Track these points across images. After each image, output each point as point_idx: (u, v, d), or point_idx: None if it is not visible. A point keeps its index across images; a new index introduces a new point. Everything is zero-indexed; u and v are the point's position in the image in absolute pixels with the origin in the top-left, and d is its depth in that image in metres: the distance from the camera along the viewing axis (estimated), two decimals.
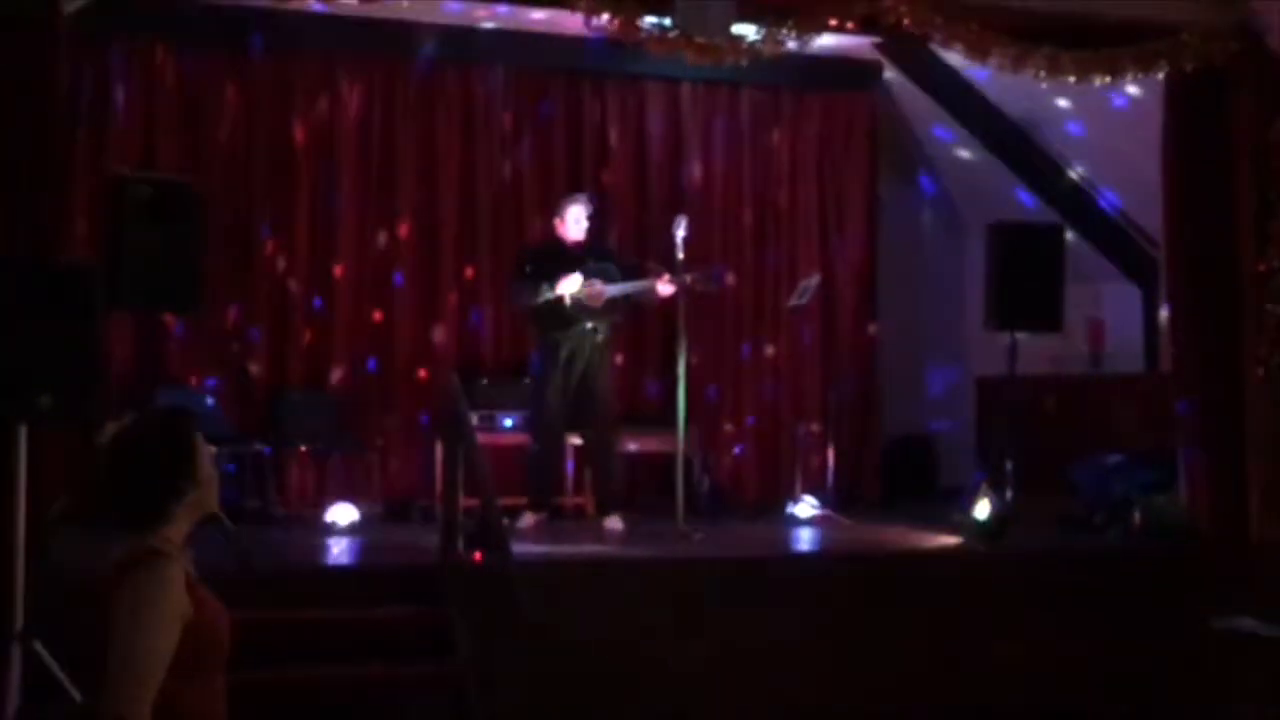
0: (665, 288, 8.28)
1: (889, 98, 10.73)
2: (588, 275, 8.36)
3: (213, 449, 3.21)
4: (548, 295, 8.31)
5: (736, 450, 10.10)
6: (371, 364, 9.50)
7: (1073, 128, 9.78)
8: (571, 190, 9.28)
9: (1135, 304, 10.20)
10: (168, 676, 2.91)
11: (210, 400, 8.69)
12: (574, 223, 8.51)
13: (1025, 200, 10.39)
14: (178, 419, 3.21)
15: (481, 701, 5.86)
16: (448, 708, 6.04)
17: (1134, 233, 10.09)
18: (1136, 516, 8.29)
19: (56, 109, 6.59)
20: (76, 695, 4.98)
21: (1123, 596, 7.48)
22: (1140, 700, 7.27)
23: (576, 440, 8.95)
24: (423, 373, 9.54)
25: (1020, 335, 8.46)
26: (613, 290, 8.41)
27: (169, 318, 8.78)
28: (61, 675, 5.13)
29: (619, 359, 9.67)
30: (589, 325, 8.39)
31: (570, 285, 8.30)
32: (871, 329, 10.62)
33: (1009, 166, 10.38)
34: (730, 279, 10.09)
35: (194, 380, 8.97)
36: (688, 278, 8.19)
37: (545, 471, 8.63)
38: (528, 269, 8.52)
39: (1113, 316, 10.37)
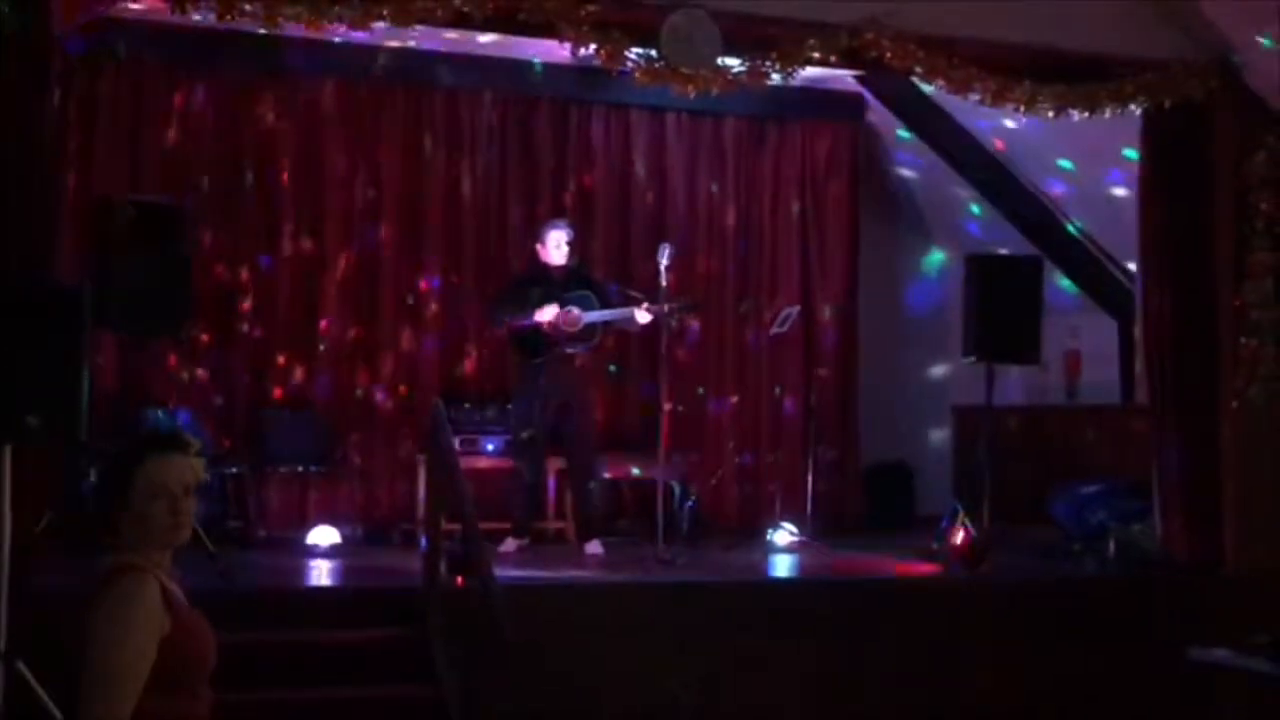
0: (644, 316, 8.34)
1: (871, 129, 10.82)
2: (566, 302, 8.43)
3: (188, 482, 3.14)
4: (525, 321, 8.36)
5: (715, 478, 10.12)
6: (354, 386, 9.52)
7: (1054, 161, 9.87)
8: (556, 216, 9.35)
9: (1111, 336, 10.28)
10: (147, 692, 2.94)
11: (186, 420, 8.68)
12: (555, 248, 8.58)
13: (1004, 231, 10.47)
14: (124, 448, 3.20)
15: None
16: None
17: (1111, 265, 10.18)
18: (1112, 546, 8.36)
19: (44, 131, 6.61)
20: (59, 715, 5.00)
21: (1098, 625, 7.54)
22: None
23: (558, 464, 8.99)
24: (405, 395, 9.57)
25: (998, 366, 8.53)
26: (590, 317, 8.46)
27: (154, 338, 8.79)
28: (44, 695, 5.14)
29: (600, 385, 9.73)
30: (567, 350, 8.45)
31: (546, 315, 8.36)
32: (851, 357, 10.68)
33: (988, 198, 10.47)
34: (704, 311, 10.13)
35: (176, 401, 8.97)
36: (665, 306, 8.26)
37: (527, 495, 8.67)
38: (509, 294, 8.59)
39: (1089, 348, 10.45)
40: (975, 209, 10.63)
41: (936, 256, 11.37)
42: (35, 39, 6.29)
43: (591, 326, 8.50)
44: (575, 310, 8.43)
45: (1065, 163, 9.72)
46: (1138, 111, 8.17)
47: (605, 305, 8.56)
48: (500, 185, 9.97)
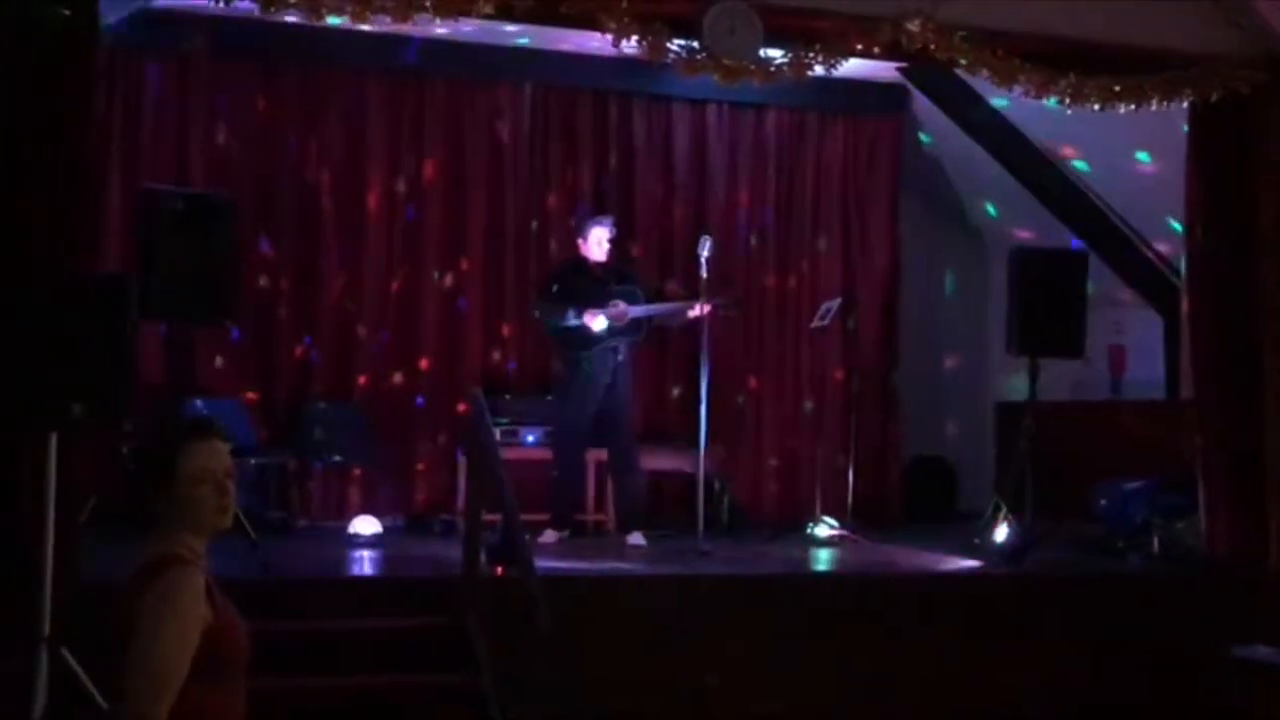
0: (694, 311, 8.35)
1: (914, 121, 10.76)
2: (611, 296, 8.44)
3: (228, 465, 3.17)
4: (573, 323, 8.38)
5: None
6: (396, 378, 9.57)
7: (1098, 153, 9.80)
8: (596, 210, 9.37)
9: (1157, 331, 10.20)
10: (188, 682, 2.96)
11: (236, 411, 8.74)
12: (596, 244, 8.59)
13: (1049, 226, 10.40)
14: (162, 434, 3.23)
15: (502, 713, 5.90)
16: (468, 719, 6.07)
17: (1156, 259, 10.10)
18: (1156, 542, 8.30)
19: (91, 121, 6.66)
20: (102, 701, 5.04)
21: (1141, 622, 7.48)
22: None
23: (599, 456, 9.01)
24: (445, 386, 9.60)
25: (1041, 360, 8.48)
26: (636, 311, 8.49)
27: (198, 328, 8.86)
28: (87, 681, 5.19)
29: (643, 377, 9.74)
30: (611, 344, 8.47)
31: (597, 323, 8.37)
32: (892, 351, 10.65)
33: (1032, 192, 10.40)
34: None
35: (222, 390, 9.03)
36: (713, 304, 8.27)
37: (567, 488, 8.69)
38: (554, 288, 8.60)
39: (1134, 343, 10.37)
40: (1022, 202, 10.54)
41: (979, 249, 11.30)
42: (81, 31, 6.34)
43: (637, 321, 8.52)
44: (622, 304, 8.45)
45: (1141, 155, 9.65)
46: (1184, 104, 8.10)
47: (648, 301, 8.58)
48: (541, 178, 9.98)
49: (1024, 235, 10.62)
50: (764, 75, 7.52)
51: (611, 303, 8.44)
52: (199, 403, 8.53)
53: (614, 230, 8.71)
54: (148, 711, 2.91)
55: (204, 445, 3.14)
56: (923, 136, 10.89)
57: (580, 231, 8.75)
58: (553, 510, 8.59)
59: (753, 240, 10.43)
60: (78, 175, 6.38)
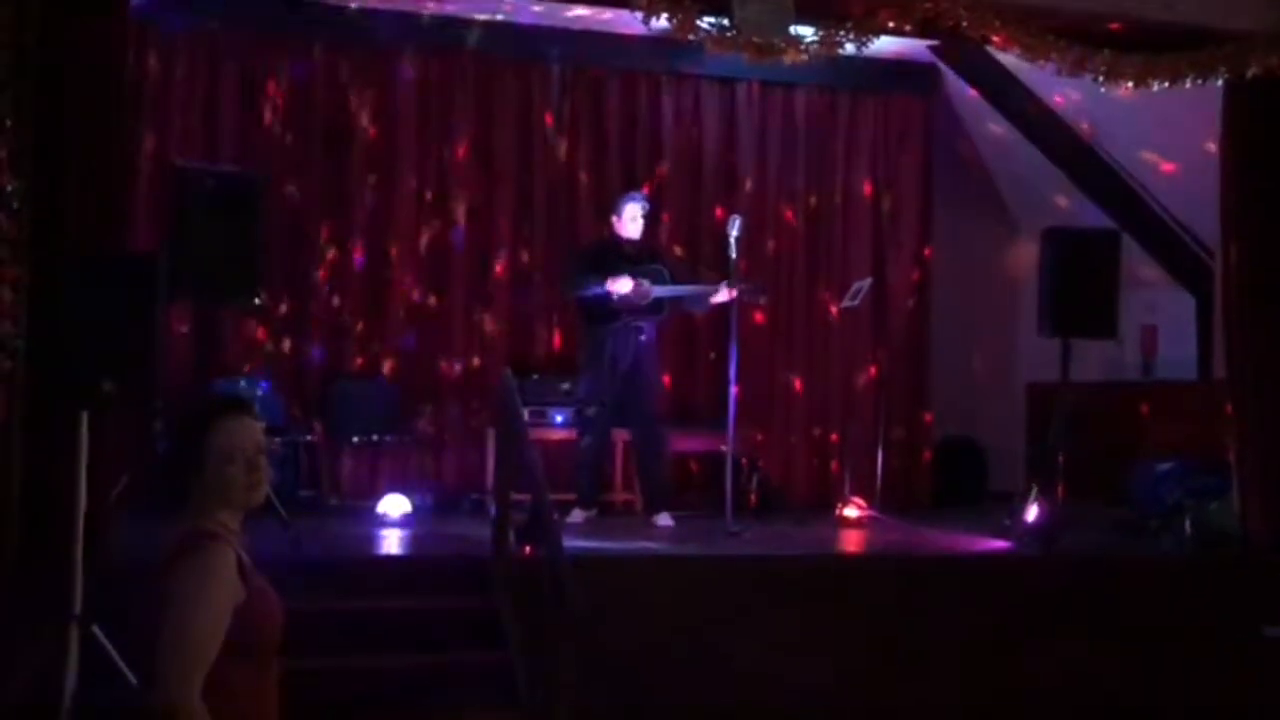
0: (720, 295, 8.33)
1: (945, 100, 10.70)
2: (639, 275, 8.43)
3: (259, 442, 3.17)
4: (597, 290, 8.37)
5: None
6: (425, 357, 9.57)
7: (1131, 133, 9.72)
8: (626, 188, 9.34)
9: (1189, 310, 10.13)
10: (220, 659, 2.95)
11: (265, 389, 8.77)
12: (631, 220, 8.58)
13: (1081, 206, 10.33)
14: (191, 411, 3.23)
15: (531, 693, 5.90)
16: (497, 698, 6.08)
17: (1189, 239, 10.02)
18: (1189, 524, 8.24)
19: (121, 99, 6.66)
20: (133, 679, 5.05)
21: (1174, 604, 7.44)
22: (1190, 707, 7.23)
23: (625, 437, 9.00)
24: (476, 367, 9.60)
25: (1073, 341, 8.42)
26: (660, 291, 8.46)
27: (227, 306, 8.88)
28: (119, 659, 5.20)
29: (672, 356, 9.72)
30: (634, 323, 8.44)
31: (622, 285, 8.36)
32: (924, 332, 10.60)
33: (1065, 171, 10.32)
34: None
35: (250, 369, 9.05)
36: (737, 290, 8.26)
37: (591, 468, 8.69)
38: (583, 264, 8.59)
39: (1166, 323, 10.30)
40: (1054, 182, 10.47)
41: (1011, 230, 11.23)
42: (109, 7, 6.34)
43: (659, 301, 8.50)
44: (646, 283, 8.43)
45: (1142, 136, 9.57)
46: (1219, 82, 8.02)
47: (676, 281, 8.57)
48: (570, 157, 9.95)
49: (1056, 215, 10.54)
50: (794, 53, 7.47)
51: (637, 281, 8.42)
52: (229, 381, 8.56)
53: (648, 206, 8.70)
54: (180, 689, 2.91)
55: (234, 422, 3.14)
56: (955, 116, 10.81)
57: (614, 208, 8.73)
58: (578, 490, 8.59)
59: (783, 219, 10.37)
60: (107, 153, 6.38)
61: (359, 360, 9.43)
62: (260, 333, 9.22)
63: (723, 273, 8.46)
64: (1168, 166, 9.77)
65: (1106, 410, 10.10)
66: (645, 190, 9.41)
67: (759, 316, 10.01)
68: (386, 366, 9.48)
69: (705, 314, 9.04)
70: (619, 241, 8.62)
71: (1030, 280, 8.88)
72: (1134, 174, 9.99)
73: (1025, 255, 10.40)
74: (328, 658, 5.87)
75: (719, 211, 9.83)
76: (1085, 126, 9.94)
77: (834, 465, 10.17)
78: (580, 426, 8.71)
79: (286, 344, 9.33)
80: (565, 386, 9.13)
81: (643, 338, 8.52)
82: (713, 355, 9.84)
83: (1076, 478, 8.30)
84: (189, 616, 2.95)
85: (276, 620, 3.16)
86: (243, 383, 8.63)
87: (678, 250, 9.85)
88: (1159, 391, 10.17)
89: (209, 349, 8.93)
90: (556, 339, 9.84)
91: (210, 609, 2.97)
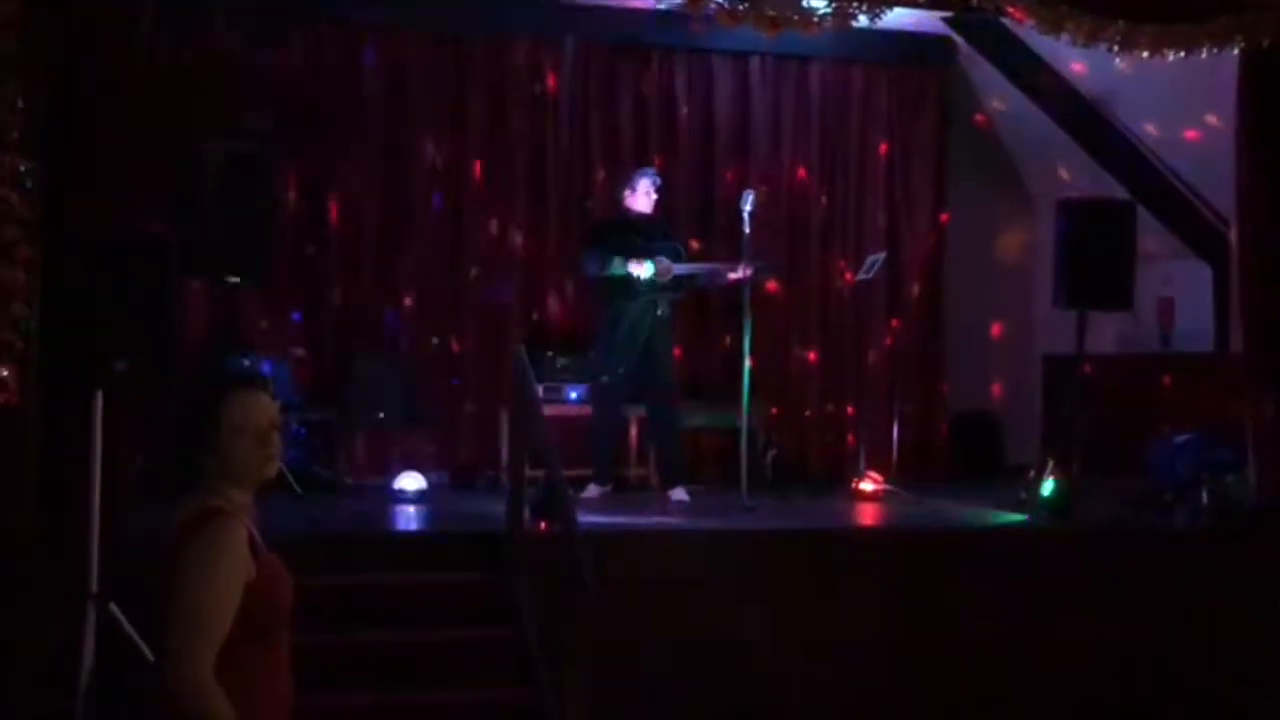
0: (734, 274, 8.32)
1: (959, 73, 10.64)
2: (656, 252, 8.43)
3: (273, 417, 3.18)
4: (620, 271, 8.36)
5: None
6: (439, 334, 9.57)
7: (1145, 104, 9.66)
8: (639, 163, 9.31)
9: (1206, 283, 10.08)
10: (231, 635, 2.97)
11: (280, 368, 8.78)
12: (644, 195, 8.57)
13: (1097, 177, 10.27)
14: (202, 388, 3.24)
15: (545, 667, 5.92)
16: (511, 673, 6.10)
17: (1205, 210, 9.97)
18: (1205, 496, 8.22)
19: (131, 79, 6.65)
20: (150, 656, 5.08)
21: (1190, 576, 7.42)
22: (1205, 680, 7.23)
23: (640, 412, 9.00)
24: (491, 344, 9.59)
25: (1089, 313, 8.39)
26: (680, 269, 8.46)
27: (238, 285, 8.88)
28: (136, 636, 5.23)
29: (687, 331, 9.71)
30: (652, 299, 8.44)
31: (645, 269, 8.35)
32: (938, 305, 10.57)
33: (1079, 142, 10.27)
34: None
35: (267, 348, 9.06)
36: (752, 268, 8.25)
37: (605, 442, 8.69)
38: (602, 243, 8.57)
39: (1182, 295, 10.26)
40: (1069, 153, 10.41)
41: (1025, 201, 11.19)
42: None
43: (678, 279, 8.50)
44: (667, 261, 8.43)
45: (1156, 107, 9.52)
46: (1235, 52, 7.96)
47: (686, 260, 8.57)
48: (583, 132, 9.92)
49: (1071, 187, 10.49)
50: (807, 26, 7.43)
51: (657, 259, 8.42)
52: (245, 359, 8.57)
53: (659, 181, 8.68)
54: (192, 663, 2.92)
55: (245, 397, 3.15)
56: (969, 88, 10.76)
57: (628, 183, 8.71)
58: (593, 465, 8.60)
59: (796, 193, 10.34)
60: (119, 131, 6.38)
61: (372, 338, 9.43)
62: (275, 310, 9.22)
63: (736, 248, 8.43)
64: (1184, 135, 9.70)
65: (1123, 383, 10.07)
66: (658, 164, 9.38)
67: (772, 288, 9.98)
68: (401, 344, 9.48)
69: (720, 290, 9.02)
70: (632, 219, 8.60)
71: (1046, 252, 8.84)
72: (1148, 144, 9.94)
73: (1041, 227, 10.34)
74: (343, 633, 5.90)
75: (732, 185, 9.79)
76: (1098, 96, 9.87)
77: (849, 439, 10.15)
78: (592, 401, 8.72)
79: (300, 323, 9.33)
80: (579, 363, 9.13)
81: (659, 312, 8.51)
82: (728, 339, 9.82)
83: (1092, 450, 8.28)
84: (200, 591, 2.96)
85: (287, 596, 3.17)
86: (258, 360, 8.64)
87: (681, 216, 9.81)
88: (1176, 364, 10.13)
89: (224, 328, 8.93)
90: (570, 316, 9.81)
91: (221, 583, 2.98)
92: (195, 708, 2.91)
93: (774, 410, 9.98)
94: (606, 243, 8.53)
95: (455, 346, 9.59)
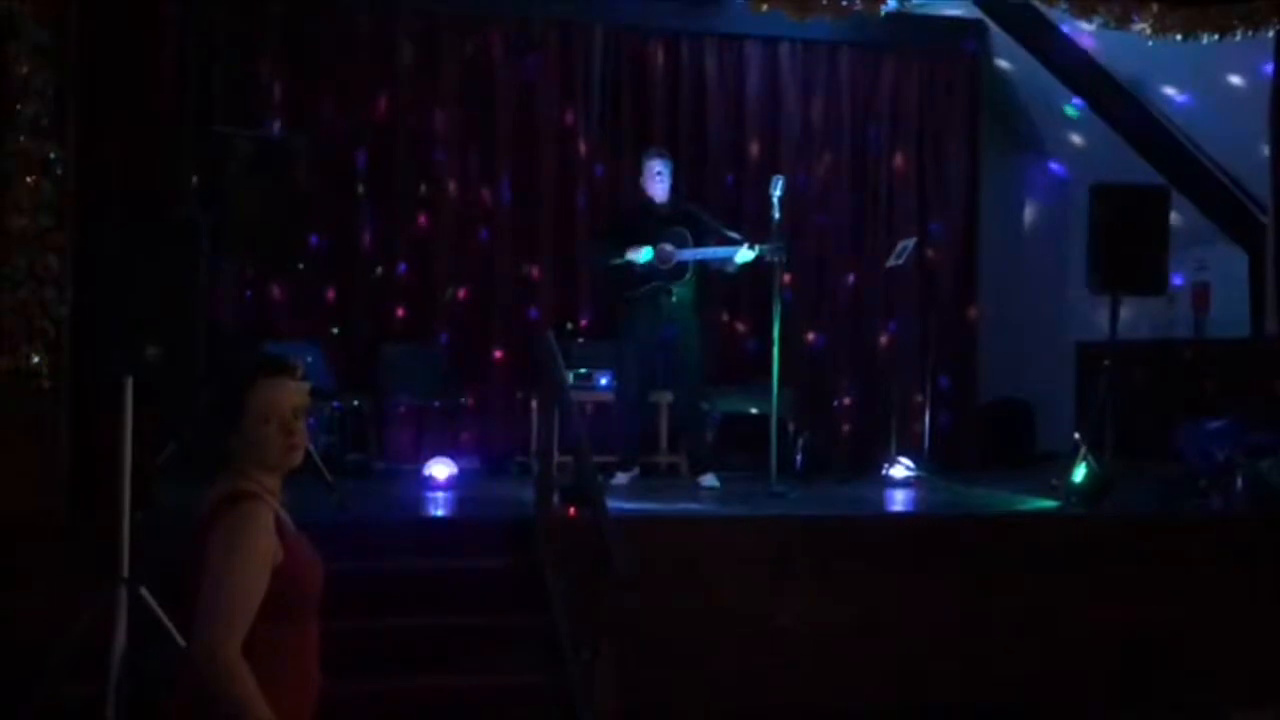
0: (744, 256, 8.24)
1: (991, 58, 10.57)
2: (661, 238, 8.35)
3: (298, 404, 3.16)
4: (618, 260, 8.33)
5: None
6: (471, 321, 9.58)
7: (1180, 88, 9.58)
8: (669, 148, 9.26)
9: (1241, 267, 9.99)
10: (259, 620, 2.96)
11: (312, 354, 8.80)
12: (653, 177, 8.48)
13: (1131, 162, 10.19)
14: (230, 372, 3.22)
15: (574, 652, 5.92)
16: (540, 658, 6.10)
17: (1241, 195, 9.87)
18: (1240, 482, 8.15)
19: (161, 65, 6.68)
20: (181, 640, 5.09)
21: (1224, 563, 7.36)
22: (1240, 667, 7.17)
23: (668, 399, 8.99)
24: (523, 330, 9.60)
25: (1123, 298, 8.34)
26: (683, 255, 8.38)
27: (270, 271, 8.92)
28: (166, 620, 5.24)
29: (717, 317, 9.68)
30: (660, 286, 8.38)
31: (642, 255, 8.31)
32: (970, 291, 10.52)
33: (1114, 128, 10.19)
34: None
35: (301, 334, 9.08)
36: (762, 248, 8.16)
37: (630, 428, 8.66)
38: (606, 235, 8.55)
39: (1218, 280, 10.17)
40: (1103, 139, 10.33)
41: (1059, 187, 11.11)
42: None
43: (682, 264, 8.41)
44: (668, 247, 8.36)
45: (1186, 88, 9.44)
46: (1270, 34, 7.89)
47: (701, 243, 8.46)
48: (613, 119, 9.92)
49: (1105, 170, 10.40)
50: (836, 10, 7.41)
51: (658, 247, 8.36)
52: (278, 344, 8.59)
53: (667, 162, 8.55)
54: (220, 646, 2.92)
55: (272, 383, 3.14)
56: (1001, 72, 10.69)
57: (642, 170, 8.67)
58: (619, 452, 8.59)
59: (827, 179, 10.29)
60: (150, 118, 6.41)
61: (405, 325, 9.45)
62: (309, 297, 9.24)
63: (762, 230, 8.37)
64: (1218, 121, 9.62)
65: (1157, 368, 9.99)
66: (682, 151, 9.33)
67: (805, 274, 9.94)
68: (433, 331, 9.50)
69: (737, 274, 8.89)
70: (650, 206, 8.53)
71: (1080, 237, 8.78)
72: (1179, 128, 9.86)
73: (1075, 211, 10.27)
74: (373, 618, 5.90)
75: (761, 172, 9.74)
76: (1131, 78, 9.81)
77: (881, 425, 10.11)
78: (618, 390, 8.71)
79: (335, 307, 9.35)
80: (607, 350, 9.12)
81: (673, 299, 8.45)
82: (757, 325, 9.77)
83: (1126, 436, 8.23)
84: (227, 572, 2.96)
85: (316, 580, 3.16)
86: (291, 346, 8.67)
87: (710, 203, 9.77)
88: (1210, 349, 10.05)
89: (257, 314, 8.97)
90: (600, 303, 9.79)
91: (249, 565, 2.98)
92: (223, 688, 2.92)
93: (806, 396, 9.94)
94: (612, 233, 8.50)
95: (488, 332, 9.59)
